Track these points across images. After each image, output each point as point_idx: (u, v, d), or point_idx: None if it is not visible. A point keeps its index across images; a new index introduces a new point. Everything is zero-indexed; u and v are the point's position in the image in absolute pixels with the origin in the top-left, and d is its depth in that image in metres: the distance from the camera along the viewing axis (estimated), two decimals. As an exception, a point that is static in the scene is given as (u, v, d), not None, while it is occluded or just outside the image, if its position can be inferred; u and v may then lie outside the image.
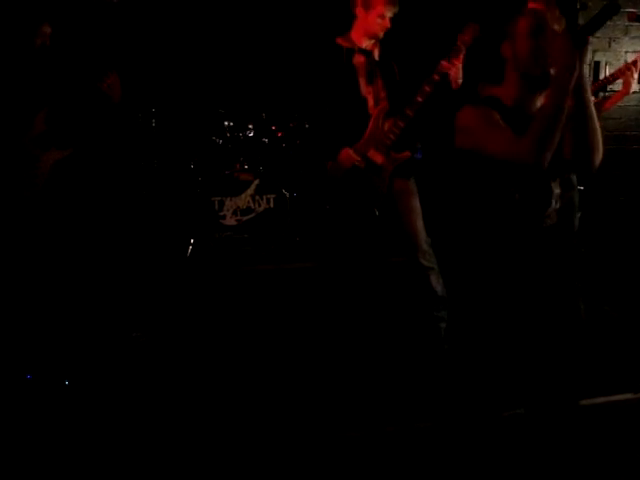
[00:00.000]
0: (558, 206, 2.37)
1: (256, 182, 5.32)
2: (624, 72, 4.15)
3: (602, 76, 5.05)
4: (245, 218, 5.30)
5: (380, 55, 3.80)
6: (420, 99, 3.61)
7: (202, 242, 5.17)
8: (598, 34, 5.44)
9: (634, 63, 4.12)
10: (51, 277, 3.81)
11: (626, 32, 5.48)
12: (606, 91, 4.69)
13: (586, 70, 2.24)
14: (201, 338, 4.05)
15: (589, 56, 2.33)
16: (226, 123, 5.40)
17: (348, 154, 3.69)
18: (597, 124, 2.26)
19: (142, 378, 3.56)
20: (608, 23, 5.62)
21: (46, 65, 3.67)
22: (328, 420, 3.17)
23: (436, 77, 3.60)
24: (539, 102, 2.34)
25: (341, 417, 3.19)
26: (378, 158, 3.71)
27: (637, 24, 5.36)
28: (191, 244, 5.18)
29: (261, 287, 4.75)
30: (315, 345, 3.85)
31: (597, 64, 5.33)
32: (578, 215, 3.62)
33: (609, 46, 5.46)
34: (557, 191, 2.36)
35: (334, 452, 2.95)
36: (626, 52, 5.49)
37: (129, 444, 2.97)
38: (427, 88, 3.61)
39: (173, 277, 4.77)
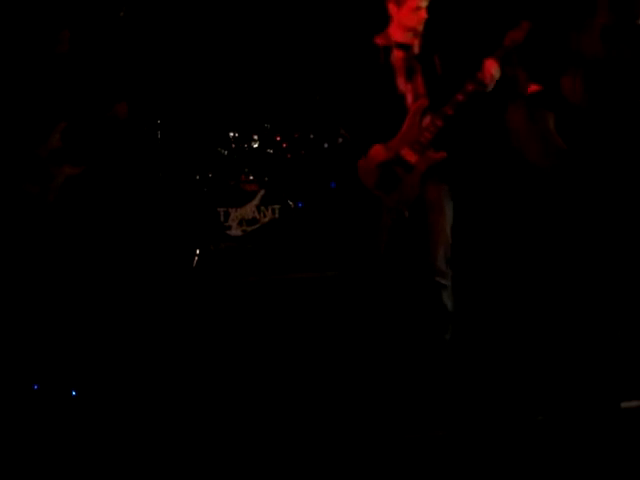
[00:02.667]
0: None
1: (261, 193, 5.33)
2: None
3: None
4: (250, 229, 5.31)
5: (421, 48, 3.64)
6: (461, 98, 3.43)
7: (208, 253, 5.18)
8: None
9: None
10: (57, 286, 3.83)
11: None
12: None
13: None
14: (207, 348, 4.06)
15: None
16: (231, 134, 5.43)
17: (379, 150, 3.53)
18: None
19: (145, 387, 3.56)
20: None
21: (64, 76, 3.70)
22: (335, 428, 3.17)
23: (480, 76, 3.41)
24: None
25: (347, 425, 3.19)
26: (412, 157, 3.50)
27: None
28: (197, 255, 5.19)
29: (267, 297, 4.75)
30: (322, 356, 3.85)
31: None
32: None
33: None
34: None
35: (344, 460, 2.95)
36: None
37: (131, 447, 2.98)
38: (470, 87, 3.42)
39: (179, 287, 4.79)
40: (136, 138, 5.32)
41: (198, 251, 5.19)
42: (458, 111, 3.48)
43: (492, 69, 3.41)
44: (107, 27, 4.95)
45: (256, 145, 5.47)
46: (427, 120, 3.55)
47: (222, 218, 5.26)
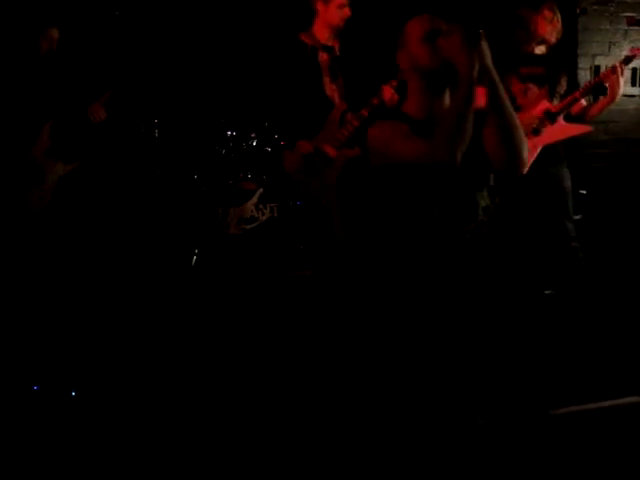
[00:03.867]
0: (485, 218, 2.26)
1: (259, 191, 5.34)
2: (608, 76, 4.07)
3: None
4: (249, 227, 5.32)
5: (340, 50, 3.90)
6: (376, 102, 3.73)
7: (206, 251, 5.19)
8: (597, 38, 5.46)
9: (614, 68, 4.03)
10: (57, 287, 3.83)
11: (625, 36, 5.49)
12: (597, 96, 4.58)
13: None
14: (206, 347, 4.06)
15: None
16: (229, 133, 5.43)
17: (303, 144, 3.92)
18: (515, 121, 2.15)
19: (143, 386, 3.57)
20: (607, 27, 5.60)
21: (51, 75, 3.70)
22: (327, 428, 3.17)
23: (394, 83, 3.69)
24: (447, 103, 2.25)
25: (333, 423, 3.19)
26: (331, 152, 3.83)
27: (636, 28, 5.38)
28: (195, 254, 5.20)
29: (265, 295, 4.76)
30: (322, 355, 3.86)
31: (597, 68, 5.34)
32: (577, 217, 3.59)
33: (609, 50, 5.48)
34: (484, 203, 2.26)
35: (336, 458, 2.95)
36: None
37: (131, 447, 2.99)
38: (375, 101, 3.76)
39: (178, 287, 4.79)
40: (133, 137, 5.33)
41: (197, 250, 5.19)
42: (373, 113, 3.74)
43: (389, 95, 3.73)
44: (103, 25, 4.96)
45: (254, 143, 5.47)
46: (346, 119, 3.89)
47: (220, 217, 5.26)
